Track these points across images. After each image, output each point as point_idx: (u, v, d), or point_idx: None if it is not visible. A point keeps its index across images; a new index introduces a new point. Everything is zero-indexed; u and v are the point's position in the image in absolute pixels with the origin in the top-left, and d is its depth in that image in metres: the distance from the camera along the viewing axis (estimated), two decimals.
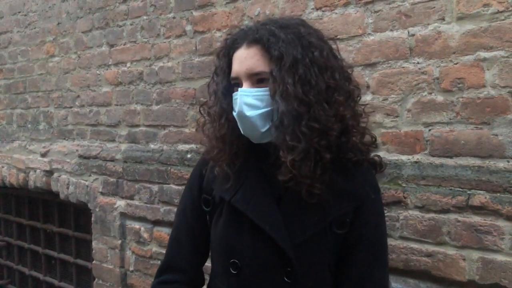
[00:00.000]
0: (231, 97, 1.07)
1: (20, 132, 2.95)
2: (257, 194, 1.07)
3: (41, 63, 2.77)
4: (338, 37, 1.52)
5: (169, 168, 2.04)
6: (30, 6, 2.84)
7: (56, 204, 2.84)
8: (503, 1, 1.22)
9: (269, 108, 1.00)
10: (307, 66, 0.99)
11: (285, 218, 1.03)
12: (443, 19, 1.33)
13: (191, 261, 1.19)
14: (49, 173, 2.66)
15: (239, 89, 1.02)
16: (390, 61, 1.43)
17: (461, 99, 1.30)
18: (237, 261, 1.06)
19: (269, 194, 1.06)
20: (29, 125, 2.87)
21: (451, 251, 1.29)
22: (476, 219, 1.25)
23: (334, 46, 1.10)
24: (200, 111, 1.18)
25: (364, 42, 1.48)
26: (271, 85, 0.99)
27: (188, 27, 1.99)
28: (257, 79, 1.02)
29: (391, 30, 1.42)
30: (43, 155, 2.72)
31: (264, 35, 1.01)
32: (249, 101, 1.00)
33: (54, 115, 2.70)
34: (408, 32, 1.39)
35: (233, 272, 1.06)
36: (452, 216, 1.29)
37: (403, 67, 1.40)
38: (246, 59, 1.02)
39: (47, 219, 2.95)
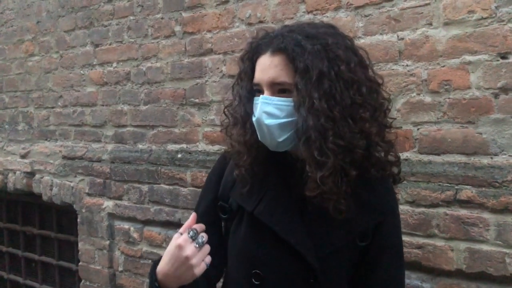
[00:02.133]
0: (253, 101, 1.05)
1: None
2: (280, 206, 1.05)
3: (19, 62, 2.71)
4: None
5: (159, 168, 2.05)
6: (7, 4, 2.77)
7: (37, 206, 2.79)
8: (486, 8, 1.31)
9: (289, 119, 0.99)
10: (332, 81, 0.96)
11: (310, 231, 1.03)
12: (430, 24, 1.40)
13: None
14: (31, 174, 2.61)
15: (261, 96, 1.01)
16: (380, 64, 1.49)
17: (448, 100, 1.38)
18: (259, 272, 1.05)
19: (292, 206, 1.05)
20: (7, 126, 2.80)
21: (440, 243, 1.38)
22: (463, 212, 1.34)
23: (363, 53, 1.07)
24: (224, 112, 1.16)
25: None
26: (295, 97, 0.97)
27: (177, 28, 2.00)
28: (278, 89, 1.00)
29: (381, 34, 1.49)
30: (23, 156, 2.66)
31: (289, 44, 0.98)
32: (269, 110, 0.99)
33: (35, 116, 2.64)
34: (398, 36, 1.46)
35: (255, 282, 1.05)
36: (441, 210, 1.37)
37: (392, 69, 1.47)
38: (269, 67, 1.00)
39: (27, 222, 2.89)
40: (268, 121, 0.99)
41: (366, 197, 1.04)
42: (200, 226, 1.01)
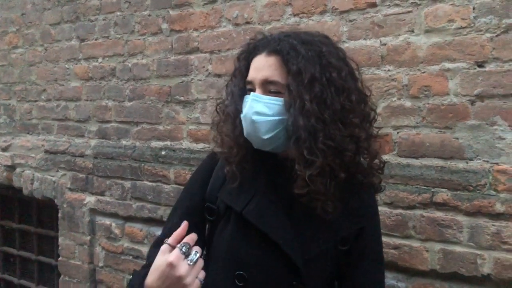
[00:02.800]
0: (244, 99, 1.08)
1: None
2: (269, 207, 1.07)
3: (2, 54, 2.67)
4: None
5: (142, 164, 2.05)
6: None
7: (16, 200, 2.76)
8: (466, 18, 1.35)
9: (277, 118, 1.02)
10: (323, 86, 1.00)
11: (296, 233, 1.05)
12: (412, 31, 1.44)
13: None
14: (11, 168, 2.58)
15: (252, 93, 1.04)
16: (363, 68, 1.52)
17: (427, 105, 1.42)
18: (243, 273, 1.05)
19: (280, 207, 1.07)
20: None
21: (415, 244, 1.42)
22: (438, 214, 1.38)
23: (354, 66, 1.11)
24: (216, 109, 1.18)
25: None
26: (287, 98, 1.00)
27: (164, 25, 2.01)
28: (269, 89, 1.03)
29: (365, 39, 1.53)
30: (4, 149, 2.63)
31: (285, 47, 1.02)
32: (258, 107, 1.02)
33: (17, 109, 2.62)
34: (380, 42, 1.50)
35: (238, 284, 1.05)
36: (418, 212, 1.41)
37: (375, 74, 1.51)
38: (264, 66, 1.04)
39: (5, 216, 2.86)
40: (256, 117, 1.02)
41: (351, 203, 1.07)
42: (192, 238, 0.96)
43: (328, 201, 1.01)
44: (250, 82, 1.07)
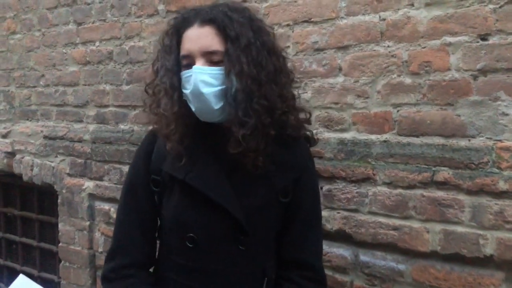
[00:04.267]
0: (180, 76, 1.09)
1: None
2: (209, 172, 1.13)
3: (1, 40, 2.65)
4: (312, 19, 1.57)
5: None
6: None
7: (17, 187, 2.75)
8: None
9: (223, 87, 1.06)
10: (259, 49, 1.07)
11: (236, 191, 1.12)
12: (412, 4, 1.39)
13: (144, 243, 1.20)
14: (11, 154, 2.58)
15: (194, 66, 1.06)
16: (362, 44, 1.48)
17: (427, 82, 1.37)
18: (193, 235, 1.12)
19: (220, 170, 1.13)
20: None
21: (416, 224, 1.38)
22: (439, 194, 1.34)
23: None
24: (146, 90, 1.20)
25: (337, 26, 1.53)
26: (226, 64, 1.05)
27: (161, 7, 1.97)
28: (211, 59, 1.06)
29: (363, 14, 1.48)
30: (4, 136, 2.62)
31: (218, 15, 1.07)
32: (205, 79, 1.05)
33: (16, 95, 2.60)
34: (380, 17, 1.45)
35: (189, 245, 1.12)
36: (418, 192, 1.37)
37: (374, 50, 1.46)
38: (199, 37, 1.06)
39: (7, 203, 2.86)
40: (205, 89, 1.05)
41: (285, 156, 1.16)
42: None
43: (258, 157, 1.08)
44: (187, 56, 1.08)
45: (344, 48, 1.52)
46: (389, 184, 1.42)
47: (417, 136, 1.40)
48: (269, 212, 1.16)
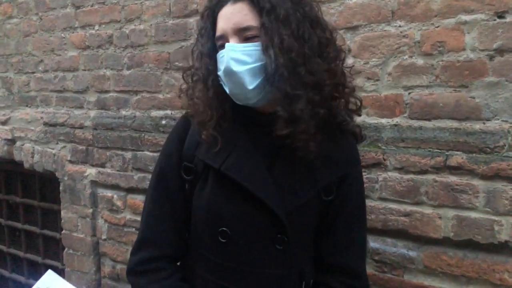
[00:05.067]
0: (216, 58, 1.03)
1: None
2: (248, 161, 1.03)
3: None
4: None
5: (142, 134, 1.98)
6: None
7: (19, 174, 2.72)
8: None
9: (259, 63, 0.97)
10: (299, 20, 0.98)
11: (277, 185, 1.02)
12: None
13: (174, 234, 1.12)
14: (11, 141, 2.53)
15: (226, 44, 0.99)
16: (372, 24, 1.42)
17: (441, 63, 1.32)
18: (226, 229, 1.03)
19: (260, 161, 1.04)
20: None
21: (428, 210, 1.34)
22: (452, 179, 1.30)
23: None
24: (183, 77, 1.13)
25: (346, 5, 1.47)
26: (263, 38, 0.96)
27: None
28: (244, 37, 0.98)
29: None
30: (4, 123, 2.58)
31: None
32: (237, 56, 0.97)
33: (14, 81, 2.55)
34: None
35: (222, 240, 1.03)
36: (430, 177, 1.33)
37: (384, 31, 1.41)
38: (232, 14, 0.99)
39: (9, 190, 2.83)
40: (237, 67, 0.96)
41: (331, 151, 1.06)
42: None
43: (310, 142, 0.99)
44: (221, 37, 1.01)
45: (353, 28, 1.46)
46: (400, 169, 1.38)
47: (430, 120, 1.35)
48: (310, 210, 1.05)
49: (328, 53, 1.01)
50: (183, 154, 1.11)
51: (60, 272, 2.44)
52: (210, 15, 1.04)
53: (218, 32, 1.01)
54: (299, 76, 0.95)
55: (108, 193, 2.13)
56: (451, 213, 1.31)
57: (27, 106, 2.49)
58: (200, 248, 1.10)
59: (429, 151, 1.34)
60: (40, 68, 2.40)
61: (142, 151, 1.98)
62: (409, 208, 1.37)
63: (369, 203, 1.43)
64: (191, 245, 1.14)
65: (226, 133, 1.04)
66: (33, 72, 2.44)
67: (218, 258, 1.06)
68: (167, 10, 1.90)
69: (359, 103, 1.13)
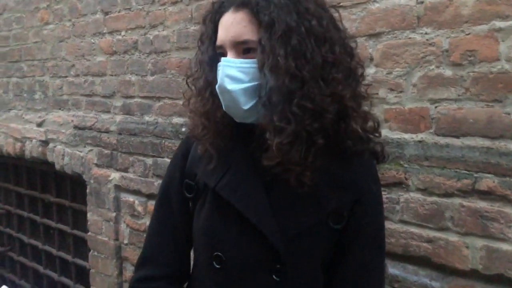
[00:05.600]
0: (215, 68, 0.95)
1: (16, 101, 2.88)
2: (244, 181, 0.96)
3: (36, 30, 2.67)
4: (340, 4, 1.41)
5: (163, 141, 1.96)
6: None
7: (52, 174, 2.80)
8: None
9: (255, 83, 0.89)
10: (302, 36, 0.87)
11: (275, 209, 0.94)
12: None
13: (175, 253, 1.08)
14: (45, 143, 2.61)
15: (222, 58, 0.91)
16: (395, 31, 1.31)
17: (471, 74, 1.19)
18: (220, 254, 0.96)
19: (257, 181, 0.96)
20: (25, 94, 2.80)
21: (453, 238, 1.21)
22: (482, 204, 1.16)
23: (336, 15, 0.98)
24: (187, 83, 1.07)
25: (368, 10, 1.36)
26: (259, 56, 0.87)
27: None
28: (243, 49, 0.90)
29: None
30: (39, 125, 2.66)
31: None
32: (232, 73, 0.89)
33: (50, 85, 2.62)
34: None
35: (216, 266, 0.97)
36: (456, 201, 1.20)
37: (409, 38, 1.29)
38: (232, 24, 0.90)
39: (45, 189, 2.92)
40: (231, 86, 0.88)
41: (340, 173, 0.95)
42: None
43: (305, 172, 0.88)
44: (221, 46, 0.92)
45: (376, 35, 1.35)
46: (423, 191, 1.26)
47: (458, 137, 1.22)
48: (315, 239, 0.95)
49: (334, 75, 0.89)
50: (185, 171, 1.06)
51: (87, 273, 2.48)
52: (212, 21, 0.97)
53: (218, 41, 0.94)
54: (292, 103, 0.85)
55: (130, 198, 2.13)
56: (479, 242, 1.17)
57: (60, 109, 2.56)
58: (197, 271, 1.06)
59: (456, 172, 1.21)
60: (72, 73, 2.45)
61: (163, 157, 1.96)
62: (432, 233, 1.25)
63: (389, 225, 1.31)
64: (194, 267, 1.10)
65: (223, 149, 0.98)
66: (65, 76, 2.50)
67: (213, 284, 0.99)
68: (189, 16, 1.86)
69: (376, 125, 1.02)
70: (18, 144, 2.80)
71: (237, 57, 0.90)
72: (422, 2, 1.26)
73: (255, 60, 0.88)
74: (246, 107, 0.90)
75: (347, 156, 0.95)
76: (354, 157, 0.96)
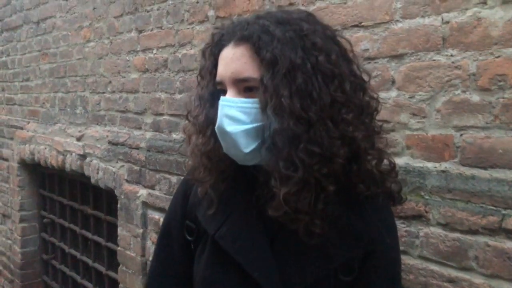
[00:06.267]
0: (216, 105, 0.88)
1: (61, 115, 3.02)
2: (245, 230, 0.90)
3: (79, 48, 2.79)
4: (362, 24, 1.34)
5: (187, 160, 1.96)
6: None
7: (91, 187, 2.89)
8: None
9: (257, 124, 0.83)
10: (308, 74, 0.80)
11: (279, 262, 0.87)
12: (484, 3, 1.11)
13: None
14: (83, 157, 2.70)
15: (221, 97, 0.85)
16: (419, 53, 1.23)
17: (501, 100, 1.08)
18: None
19: (260, 231, 0.89)
20: (68, 109, 2.93)
21: (478, 279, 1.10)
22: (510, 245, 1.05)
23: (348, 47, 0.91)
24: (187, 118, 1.02)
25: (391, 30, 1.29)
26: (261, 96, 0.81)
27: (211, 13, 1.88)
28: (244, 87, 0.84)
29: (422, 16, 1.22)
30: (78, 139, 2.76)
31: (255, 31, 0.83)
32: (232, 113, 0.83)
33: (89, 100, 2.72)
34: (442, 19, 1.18)
35: None
36: (481, 239, 1.09)
37: (434, 60, 1.20)
38: (232, 60, 0.85)
39: (84, 201, 3.02)
40: (231, 127, 0.83)
41: (351, 221, 0.87)
42: None
43: (315, 221, 0.81)
44: (220, 82, 0.87)
45: (398, 57, 1.27)
46: (444, 226, 1.16)
47: (485, 168, 1.11)
48: None
49: (344, 116, 0.82)
50: (187, 211, 1.02)
51: (118, 287, 2.52)
52: (212, 54, 0.92)
53: (218, 77, 0.88)
54: (298, 148, 0.79)
55: (156, 215, 2.15)
56: (507, 287, 1.05)
57: (97, 124, 2.64)
58: None
59: (482, 207, 1.10)
60: (108, 89, 2.53)
61: None
62: (454, 273, 1.14)
63: (407, 260, 1.22)
64: None
65: (224, 193, 0.92)
66: (103, 92, 2.58)
67: None
68: None
69: (392, 165, 0.94)
70: (60, 157, 2.92)
71: (237, 95, 0.85)
72: (447, 22, 1.17)
73: (257, 100, 0.82)
74: (247, 150, 0.84)
75: (359, 201, 0.88)
76: (367, 201, 0.88)
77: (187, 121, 1.02)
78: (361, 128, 0.84)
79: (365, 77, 0.91)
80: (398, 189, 0.93)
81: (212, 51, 0.92)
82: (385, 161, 0.92)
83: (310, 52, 0.81)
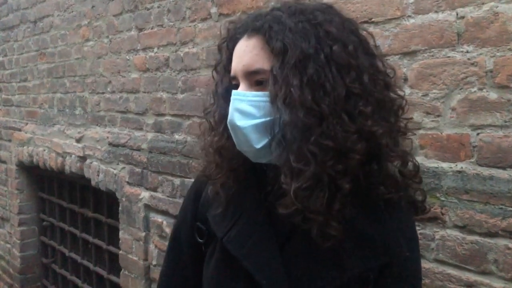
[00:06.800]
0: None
1: (59, 116, 2.97)
2: (255, 234, 0.85)
3: (78, 47, 2.74)
4: (372, 20, 1.30)
5: (190, 161, 1.92)
6: None
7: (91, 189, 2.84)
8: None
9: (267, 118, 0.79)
10: (320, 64, 0.76)
11: (289, 268, 0.82)
12: None
13: None
14: (83, 159, 2.65)
15: (233, 91, 0.82)
16: (433, 49, 1.19)
17: None
18: None
19: (270, 235, 0.85)
20: (67, 110, 2.88)
21: (497, 284, 1.06)
22: None
23: (371, 42, 0.86)
24: (204, 116, 0.97)
25: (402, 26, 1.25)
26: (271, 87, 0.78)
27: (213, 10, 1.83)
28: (256, 80, 0.81)
29: (436, 12, 1.18)
30: (78, 140, 2.71)
31: (266, 22, 0.80)
32: (243, 107, 0.79)
33: (89, 101, 2.67)
34: (457, 14, 1.14)
35: None
36: (501, 242, 1.06)
37: (448, 57, 1.16)
38: (244, 53, 0.82)
39: (84, 204, 2.97)
40: (241, 122, 0.79)
41: (369, 228, 0.81)
42: None
43: (330, 222, 0.76)
44: (234, 77, 0.83)
45: (411, 54, 1.23)
46: (462, 228, 1.12)
47: (504, 168, 1.07)
48: None
49: (362, 108, 0.76)
50: (198, 211, 0.98)
51: None
52: (227, 48, 0.89)
53: (232, 71, 0.85)
54: (309, 141, 0.75)
55: (159, 218, 2.10)
56: None
57: (97, 125, 2.59)
58: None
59: (501, 208, 1.06)
60: (108, 89, 2.48)
61: (190, 178, 1.92)
62: (473, 277, 1.10)
63: (422, 263, 1.16)
64: None
65: (235, 193, 0.88)
66: (103, 93, 2.53)
67: None
68: (218, 33, 1.81)
69: (416, 169, 0.87)
70: (60, 159, 2.87)
71: (249, 89, 0.81)
72: (462, 17, 1.13)
73: (267, 93, 0.79)
74: (258, 145, 0.80)
75: (379, 206, 0.82)
76: (388, 207, 0.82)
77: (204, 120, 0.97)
78: (382, 123, 0.78)
79: (391, 73, 0.86)
80: (423, 198, 0.87)
81: (227, 46, 0.89)
82: (410, 165, 0.86)
83: (324, 42, 0.77)
